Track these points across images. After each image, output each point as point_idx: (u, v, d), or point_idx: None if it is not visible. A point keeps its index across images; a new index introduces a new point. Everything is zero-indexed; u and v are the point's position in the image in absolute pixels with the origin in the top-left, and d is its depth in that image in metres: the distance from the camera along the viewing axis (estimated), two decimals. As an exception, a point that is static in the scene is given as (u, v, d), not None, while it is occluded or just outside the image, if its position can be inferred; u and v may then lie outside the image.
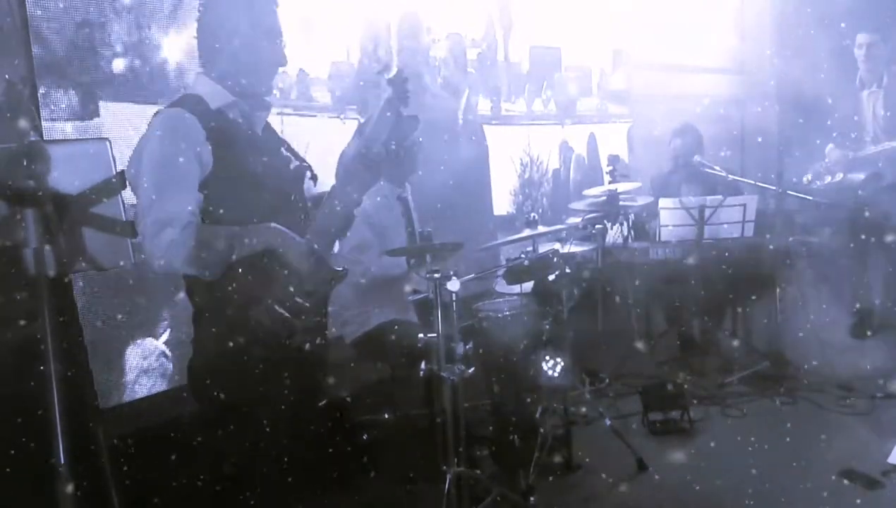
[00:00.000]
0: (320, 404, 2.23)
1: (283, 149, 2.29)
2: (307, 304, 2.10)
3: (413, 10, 4.37)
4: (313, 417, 2.28)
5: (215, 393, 2.07)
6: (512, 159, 5.19)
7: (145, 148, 2.02)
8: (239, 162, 2.07)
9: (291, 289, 2.05)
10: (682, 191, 4.74)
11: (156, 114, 2.09)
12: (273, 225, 2.05)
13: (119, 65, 2.93)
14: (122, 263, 1.70)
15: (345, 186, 2.20)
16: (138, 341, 3.01)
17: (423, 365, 2.75)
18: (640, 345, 4.86)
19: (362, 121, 3.87)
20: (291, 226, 2.12)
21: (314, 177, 2.34)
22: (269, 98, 2.26)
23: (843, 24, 4.90)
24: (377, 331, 3.31)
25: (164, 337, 3.07)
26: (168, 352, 3.05)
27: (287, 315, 2.02)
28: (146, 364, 3.03)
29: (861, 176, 4.59)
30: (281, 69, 2.30)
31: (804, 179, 4.82)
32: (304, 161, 2.32)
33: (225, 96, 2.12)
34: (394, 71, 2.26)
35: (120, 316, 2.91)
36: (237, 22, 2.09)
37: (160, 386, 3.05)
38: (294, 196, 2.24)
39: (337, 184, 2.23)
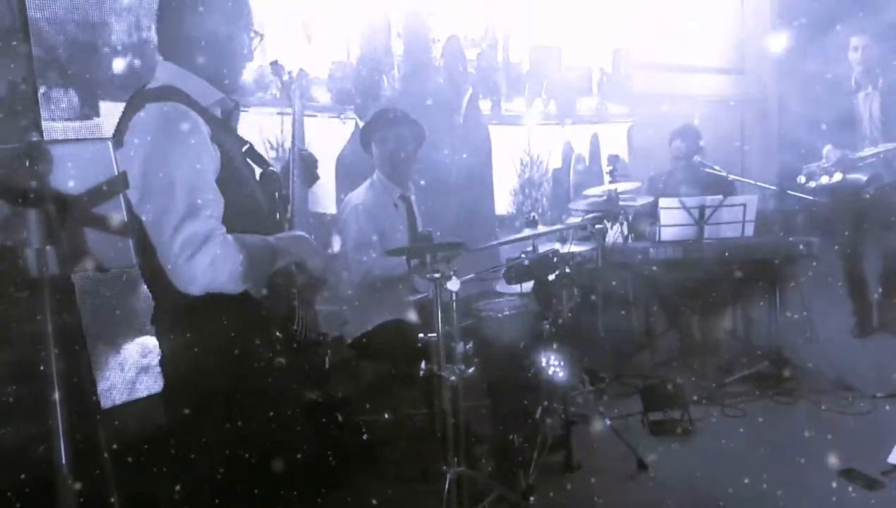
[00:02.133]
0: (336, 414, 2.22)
1: (245, 150, 2.13)
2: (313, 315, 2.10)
3: (414, 10, 4.37)
4: (308, 417, 2.27)
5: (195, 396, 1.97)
6: (512, 159, 5.19)
7: (153, 153, 1.78)
8: (233, 163, 1.95)
9: (315, 304, 2.04)
10: (682, 191, 4.75)
11: (138, 110, 1.83)
12: (300, 233, 2.01)
13: (119, 65, 2.93)
14: (124, 264, 1.70)
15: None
16: (138, 339, 3.01)
17: (423, 365, 2.75)
18: (640, 345, 4.87)
19: (360, 123, 3.88)
20: (275, 231, 2.08)
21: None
22: (237, 96, 2.13)
23: (838, 27, 4.92)
24: (377, 331, 3.31)
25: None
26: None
27: (307, 330, 2.01)
28: (145, 362, 3.03)
29: (862, 177, 4.60)
30: (273, 60, 2.26)
31: (798, 179, 4.82)
32: (271, 164, 2.19)
33: (211, 91, 1.95)
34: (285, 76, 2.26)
35: (118, 312, 2.91)
36: (214, 7, 1.94)
37: (160, 384, 3.05)
38: (274, 197, 2.14)
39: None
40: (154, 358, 2.96)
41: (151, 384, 3.04)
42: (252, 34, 2.05)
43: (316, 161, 2.44)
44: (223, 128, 1.99)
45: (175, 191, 1.76)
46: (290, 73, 2.29)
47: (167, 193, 1.76)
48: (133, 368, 3.01)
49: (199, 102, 1.91)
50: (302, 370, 1.98)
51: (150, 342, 3.02)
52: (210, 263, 1.75)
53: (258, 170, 2.11)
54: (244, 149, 2.06)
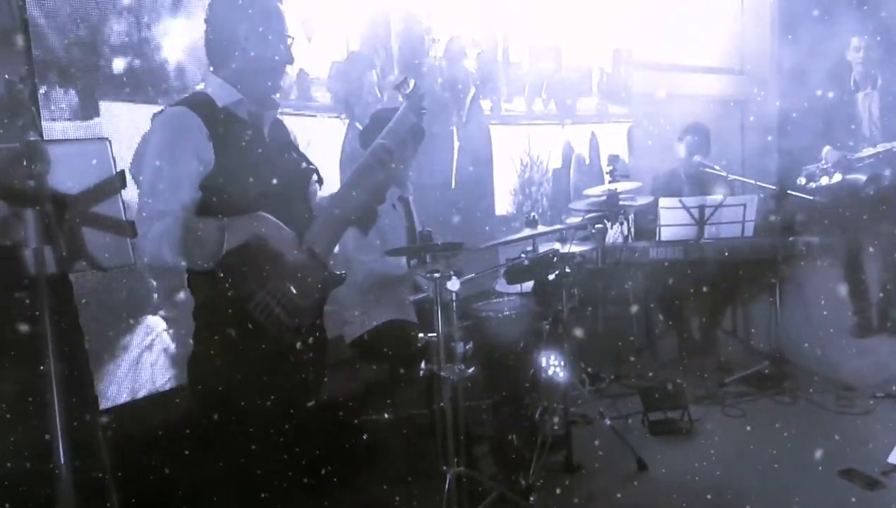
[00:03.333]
0: (308, 404, 2.23)
1: (291, 151, 2.29)
2: (305, 304, 2.10)
3: (415, 10, 4.37)
4: (308, 417, 2.28)
5: (214, 391, 2.07)
6: (512, 159, 5.19)
7: (146, 146, 2.04)
8: (244, 161, 2.08)
9: (288, 285, 2.05)
10: (686, 190, 4.74)
11: (160, 112, 2.11)
12: (260, 213, 2.06)
13: (119, 65, 2.93)
14: (122, 263, 1.70)
15: (354, 188, 2.24)
16: (140, 319, 3.03)
17: (423, 365, 2.75)
18: (640, 345, 4.86)
19: (360, 126, 3.88)
20: (296, 226, 2.13)
21: (320, 181, 2.35)
22: (276, 97, 2.26)
23: (838, 27, 4.91)
24: (377, 331, 3.31)
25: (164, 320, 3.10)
26: (168, 328, 3.07)
27: (280, 311, 2.03)
28: (148, 340, 3.04)
29: (862, 177, 4.59)
30: (403, 79, 2.33)
31: (798, 180, 4.82)
32: (311, 163, 2.32)
33: (232, 94, 2.12)
34: (411, 85, 2.29)
35: (117, 315, 2.92)
36: (244, 20, 2.11)
37: (163, 361, 3.07)
38: (299, 198, 2.24)
39: (344, 189, 2.28)
40: (155, 336, 3.02)
41: (154, 360, 3.06)
42: (288, 39, 2.21)
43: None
44: (242, 129, 2.12)
45: (147, 174, 2.00)
46: (415, 84, 2.34)
47: (146, 176, 2.01)
48: (137, 346, 3.02)
49: (214, 103, 2.09)
50: (262, 354, 2.04)
51: (151, 319, 3.05)
52: (157, 239, 1.96)
53: (293, 168, 2.26)
54: (287, 148, 2.27)
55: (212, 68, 2.18)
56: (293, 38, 2.22)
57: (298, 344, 2.12)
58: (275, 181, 2.13)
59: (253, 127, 2.16)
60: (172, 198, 2.00)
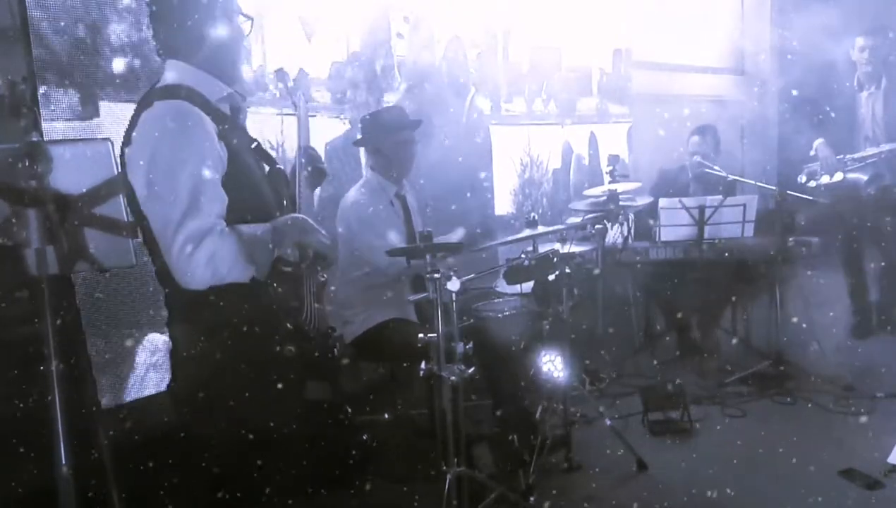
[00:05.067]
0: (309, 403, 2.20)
1: (264, 149, 2.21)
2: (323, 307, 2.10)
3: (415, 10, 4.37)
4: (308, 417, 2.27)
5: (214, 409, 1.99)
6: (512, 159, 5.19)
7: (158, 150, 1.80)
8: (241, 160, 1.99)
9: (317, 292, 2.02)
10: (691, 189, 4.73)
11: (147, 108, 1.87)
12: (297, 215, 1.98)
13: (119, 65, 2.93)
14: (123, 264, 1.70)
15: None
16: (146, 337, 3.02)
17: (423, 365, 2.75)
18: (640, 345, 4.86)
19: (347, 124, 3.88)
20: None
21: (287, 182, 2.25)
22: (238, 88, 2.13)
23: (840, 27, 4.91)
24: (377, 331, 3.31)
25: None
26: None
27: (318, 320, 2.00)
28: (154, 359, 3.04)
29: (864, 176, 4.59)
30: (278, 68, 2.26)
31: (799, 179, 4.82)
32: (277, 162, 2.24)
33: (219, 87, 1.98)
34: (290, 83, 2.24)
35: (121, 310, 2.92)
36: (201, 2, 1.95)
37: (167, 381, 3.07)
38: (286, 196, 2.18)
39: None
40: (161, 356, 2.99)
41: (159, 380, 3.05)
42: (242, 18, 2.05)
43: (319, 158, 2.41)
44: (231, 125, 2.00)
45: (178, 189, 1.78)
46: (295, 80, 2.30)
47: (170, 191, 1.78)
48: (142, 365, 3.01)
49: (208, 99, 1.93)
50: (314, 361, 2.00)
51: (156, 338, 3.04)
52: (209, 258, 1.79)
53: (267, 168, 2.14)
54: (253, 147, 2.10)
55: (172, 55, 1.98)
56: (251, 19, 2.06)
57: (335, 350, 2.09)
58: (263, 181, 2.06)
59: (238, 123, 2.06)
60: (213, 210, 1.82)
